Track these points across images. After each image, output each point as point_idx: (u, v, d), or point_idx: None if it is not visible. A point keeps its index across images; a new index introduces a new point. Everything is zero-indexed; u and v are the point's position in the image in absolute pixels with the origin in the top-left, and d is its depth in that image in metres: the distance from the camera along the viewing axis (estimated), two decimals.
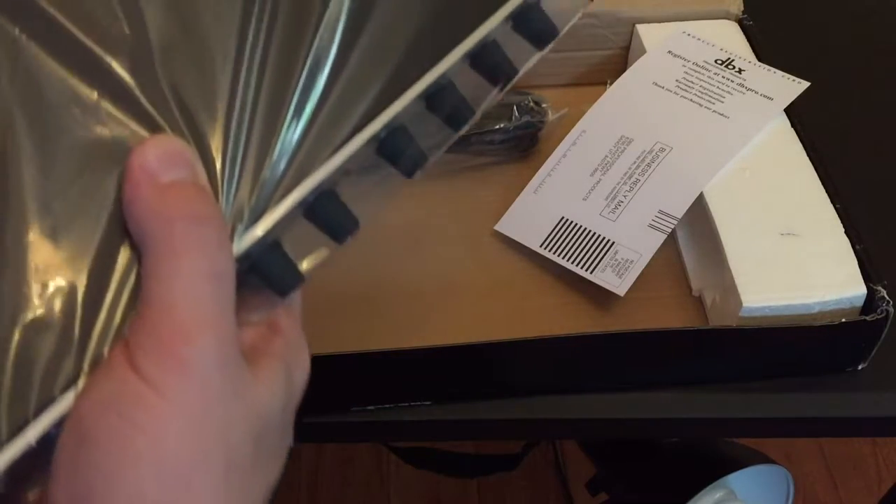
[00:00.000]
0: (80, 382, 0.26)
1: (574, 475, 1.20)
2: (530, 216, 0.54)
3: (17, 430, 0.26)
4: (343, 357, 0.45)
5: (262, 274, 0.30)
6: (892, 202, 0.58)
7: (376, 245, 0.55)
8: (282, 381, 0.29)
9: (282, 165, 0.29)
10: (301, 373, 0.31)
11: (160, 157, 0.27)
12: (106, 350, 0.27)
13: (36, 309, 0.26)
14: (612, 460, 0.86)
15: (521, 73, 0.35)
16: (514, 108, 0.58)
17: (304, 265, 0.31)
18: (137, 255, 0.27)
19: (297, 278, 0.30)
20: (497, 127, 0.57)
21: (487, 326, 0.50)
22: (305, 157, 0.30)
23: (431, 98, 0.32)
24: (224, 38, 0.29)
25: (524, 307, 0.52)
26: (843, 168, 0.52)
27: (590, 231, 0.52)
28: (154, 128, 0.28)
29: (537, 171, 0.55)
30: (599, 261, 0.51)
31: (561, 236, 0.52)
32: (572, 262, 0.51)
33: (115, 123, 0.28)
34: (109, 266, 0.27)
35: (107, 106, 0.28)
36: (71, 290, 0.27)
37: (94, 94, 0.28)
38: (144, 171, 0.27)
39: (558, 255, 0.52)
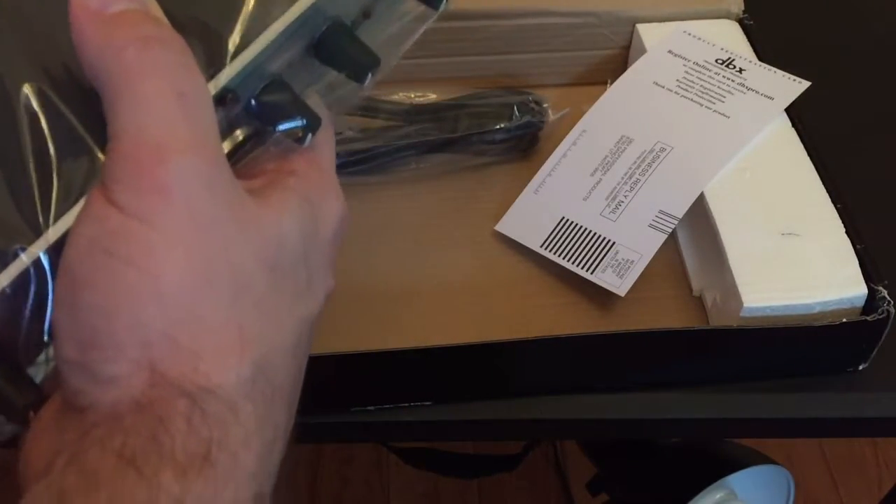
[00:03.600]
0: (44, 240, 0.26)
1: (574, 475, 1.20)
2: (531, 216, 0.54)
3: None
4: (343, 357, 0.45)
5: (267, 113, 0.29)
6: (892, 202, 0.58)
7: (376, 245, 0.55)
8: (295, 210, 0.28)
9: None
10: (329, 213, 0.30)
11: None
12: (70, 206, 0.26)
13: None
14: (612, 461, 0.86)
15: None
16: (515, 108, 0.58)
17: (317, 105, 0.30)
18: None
19: (309, 117, 0.29)
20: (497, 127, 0.57)
21: (487, 326, 0.50)
22: None
23: None
24: None
25: (524, 307, 0.52)
26: (843, 168, 0.52)
27: (590, 231, 0.52)
28: None
29: (537, 171, 0.55)
30: (600, 261, 0.51)
31: (561, 236, 0.52)
32: (573, 263, 0.51)
33: None
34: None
35: None
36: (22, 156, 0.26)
37: None
38: (86, 9, 0.26)
39: (559, 256, 0.52)
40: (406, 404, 0.49)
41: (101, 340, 0.25)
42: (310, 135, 0.29)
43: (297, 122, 0.29)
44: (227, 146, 0.29)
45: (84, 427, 0.25)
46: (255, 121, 0.29)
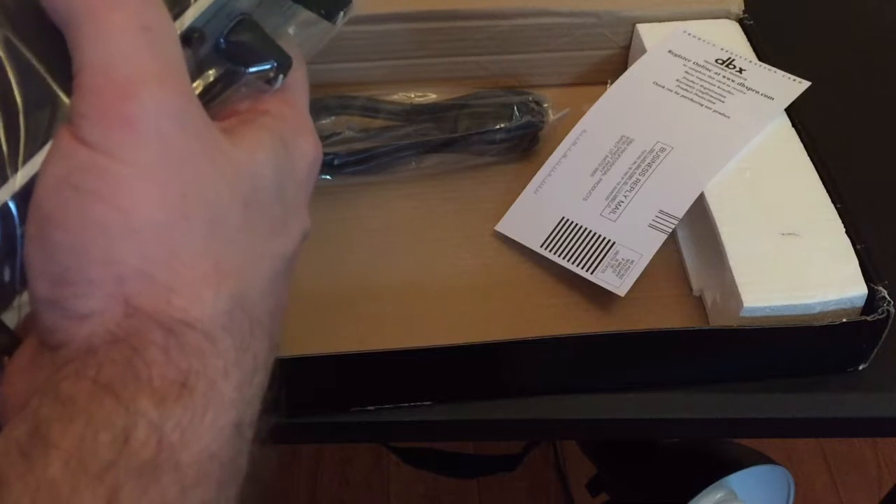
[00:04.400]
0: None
1: (574, 475, 1.20)
2: (531, 216, 0.54)
3: None
4: (343, 357, 0.45)
5: (237, 54, 0.29)
6: (892, 202, 0.58)
7: (376, 245, 0.55)
8: (268, 147, 0.28)
9: None
10: (303, 151, 0.30)
11: None
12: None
13: None
14: (612, 461, 0.86)
15: None
16: (515, 108, 0.58)
17: (290, 46, 0.29)
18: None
19: (280, 57, 0.29)
20: (497, 127, 0.57)
21: (487, 326, 0.50)
22: None
23: None
24: None
25: (524, 307, 0.52)
26: (843, 168, 0.52)
27: (590, 231, 0.52)
28: None
29: (538, 171, 0.55)
30: (600, 261, 0.51)
31: (561, 236, 0.52)
32: (573, 263, 0.51)
33: None
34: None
35: None
36: None
37: None
38: None
39: (559, 256, 0.52)
40: (406, 404, 0.49)
41: (72, 277, 0.25)
42: (281, 76, 0.29)
43: (268, 63, 0.29)
44: (198, 87, 0.29)
45: (59, 363, 0.25)
46: (226, 61, 0.29)
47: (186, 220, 0.25)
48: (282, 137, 0.29)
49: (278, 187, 0.29)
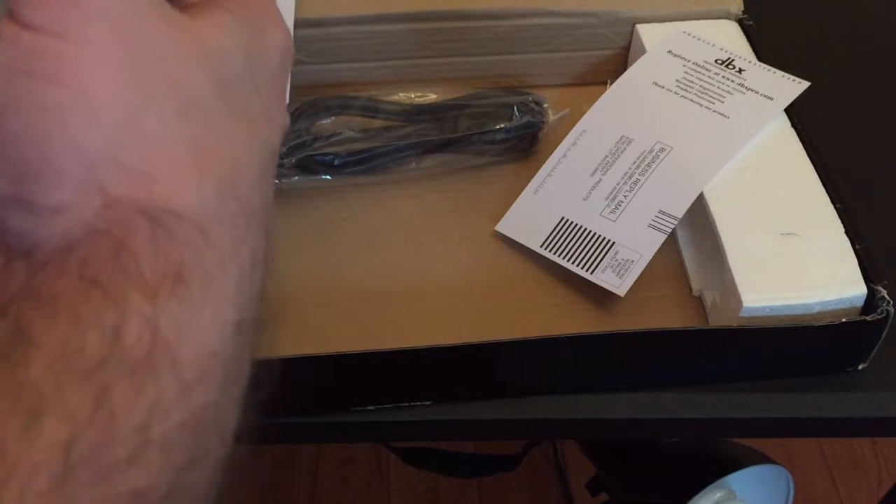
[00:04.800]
0: None
1: (574, 475, 1.20)
2: (530, 216, 0.54)
3: None
4: (343, 357, 0.45)
5: None
6: (892, 202, 0.58)
7: (376, 245, 0.55)
8: (234, 29, 0.27)
9: None
10: (274, 40, 0.28)
11: None
12: None
13: None
14: (612, 461, 0.86)
15: None
16: (515, 108, 0.58)
17: None
18: None
19: None
20: (497, 127, 0.57)
21: (487, 326, 0.50)
22: None
23: None
24: None
25: (524, 307, 0.52)
26: (843, 168, 0.52)
27: (590, 231, 0.52)
28: None
29: (537, 171, 0.55)
30: (600, 261, 0.51)
31: (561, 236, 0.52)
32: (572, 263, 0.51)
33: None
34: None
35: None
36: None
37: None
38: None
39: (558, 256, 0.52)
40: (406, 404, 0.49)
41: (34, 168, 0.23)
42: None
43: None
44: None
45: (35, 267, 0.23)
46: None
47: (154, 100, 0.24)
48: (248, 23, 0.27)
49: (251, 77, 0.27)
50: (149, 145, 0.24)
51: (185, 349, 0.23)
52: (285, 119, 0.29)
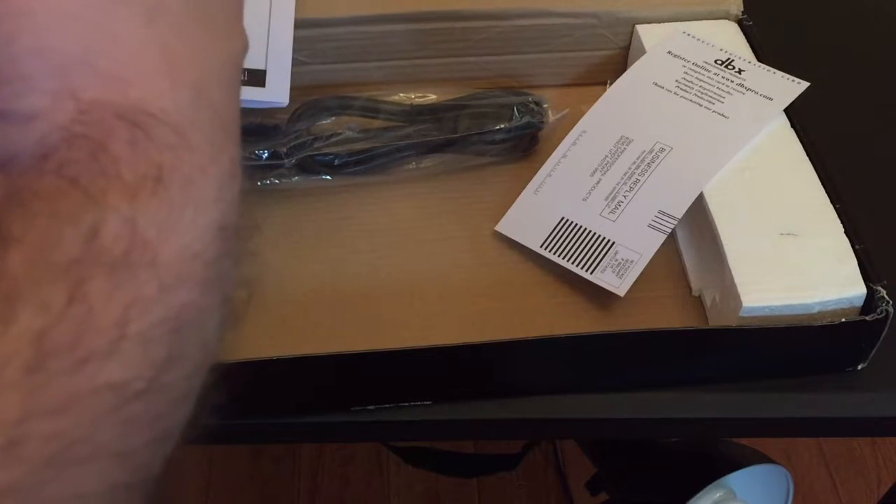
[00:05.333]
0: None
1: (574, 475, 1.20)
2: (530, 216, 0.54)
3: None
4: (343, 357, 0.45)
5: None
6: (892, 202, 0.58)
7: (376, 245, 0.55)
8: None
9: None
10: None
11: None
12: None
13: None
14: (612, 460, 0.86)
15: None
16: (515, 108, 0.58)
17: None
18: None
19: None
20: (497, 127, 0.58)
21: (487, 326, 0.50)
22: None
23: None
24: None
25: (524, 307, 0.52)
26: (843, 168, 0.52)
27: (590, 231, 0.52)
28: None
29: (537, 171, 0.55)
30: (599, 261, 0.51)
31: (561, 236, 0.52)
32: (572, 263, 0.51)
33: None
34: None
35: None
36: None
37: None
38: None
39: (558, 256, 0.52)
40: (406, 404, 0.49)
41: (4, 73, 0.23)
42: None
43: None
44: None
45: (10, 179, 0.23)
46: None
47: (122, 4, 0.24)
48: None
49: None
50: (121, 49, 0.24)
51: (164, 249, 0.23)
52: (246, 39, 0.29)
